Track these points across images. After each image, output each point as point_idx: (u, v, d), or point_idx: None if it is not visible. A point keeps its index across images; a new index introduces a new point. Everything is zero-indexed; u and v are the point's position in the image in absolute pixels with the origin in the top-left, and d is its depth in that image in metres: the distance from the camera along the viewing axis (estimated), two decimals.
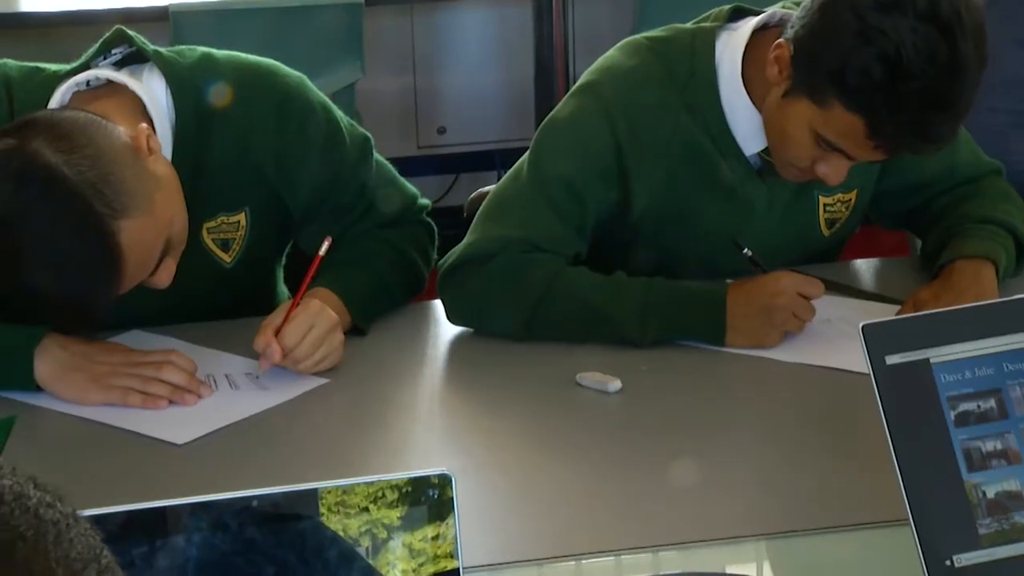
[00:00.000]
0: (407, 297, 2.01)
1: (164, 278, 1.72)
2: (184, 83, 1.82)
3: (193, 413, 1.73)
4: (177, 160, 1.80)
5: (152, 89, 1.80)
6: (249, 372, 1.83)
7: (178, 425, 1.70)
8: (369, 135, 1.99)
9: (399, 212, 2.01)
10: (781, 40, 1.81)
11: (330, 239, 1.81)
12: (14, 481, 0.69)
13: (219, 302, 1.97)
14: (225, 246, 1.92)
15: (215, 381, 1.81)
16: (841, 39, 1.71)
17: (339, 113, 1.95)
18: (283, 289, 2.14)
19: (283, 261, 2.10)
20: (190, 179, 1.80)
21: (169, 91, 1.81)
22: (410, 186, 2.06)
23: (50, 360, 1.76)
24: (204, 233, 1.89)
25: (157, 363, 1.77)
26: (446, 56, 4.65)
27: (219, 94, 1.84)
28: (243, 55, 1.91)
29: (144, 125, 1.71)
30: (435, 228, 2.06)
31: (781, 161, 1.89)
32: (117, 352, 1.80)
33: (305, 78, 1.93)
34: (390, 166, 2.04)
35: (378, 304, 1.95)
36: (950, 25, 1.68)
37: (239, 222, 1.91)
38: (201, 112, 1.83)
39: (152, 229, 1.65)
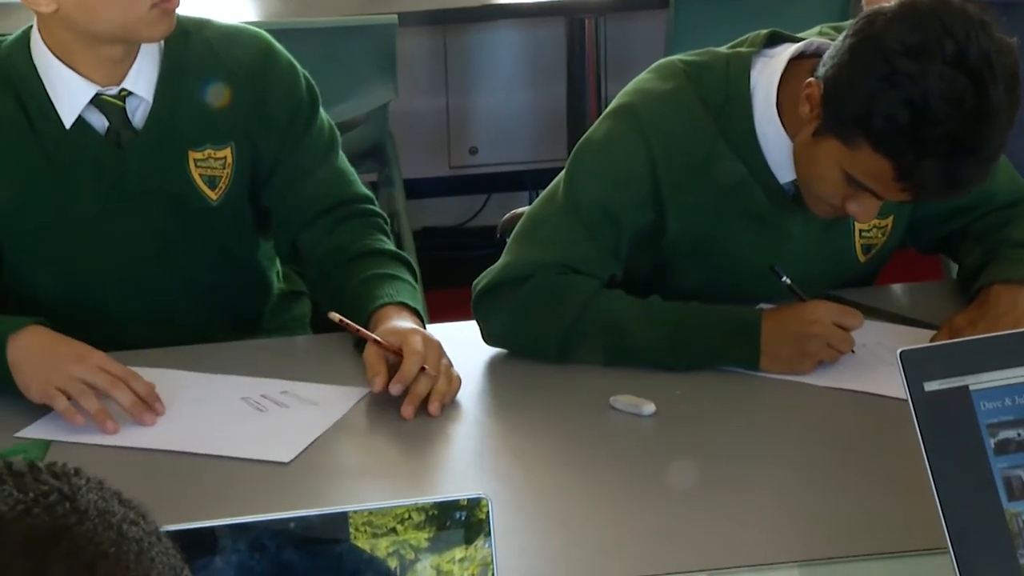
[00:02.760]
0: None
1: None
2: (176, 24, 1.88)
3: (281, 431, 1.74)
4: (162, 86, 1.90)
5: None
6: (285, 391, 1.84)
7: (275, 444, 1.70)
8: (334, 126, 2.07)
9: (360, 196, 2.06)
10: (812, 79, 1.80)
11: (335, 313, 1.84)
12: (99, 496, 0.70)
13: (204, 249, 2.00)
14: (212, 183, 1.97)
15: (257, 404, 1.81)
16: (869, 83, 1.70)
17: None
18: (272, 279, 2.17)
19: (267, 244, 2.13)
20: (175, 101, 1.90)
21: None
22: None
23: (21, 346, 1.77)
24: (192, 165, 1.95)
25: (114, 380, 1.75)
26: (478, 76, 4.66)
27: (208, 40, 1.94)
28: None
29: None
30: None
31: (812, 197, 1.88)
32: (90, 356, 1.77)
33: None
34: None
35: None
36: (979, 70, 1.67)
37: (225, 158, 1.97)
38: (190, 48, 1.92)
39: None
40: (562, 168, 2.00)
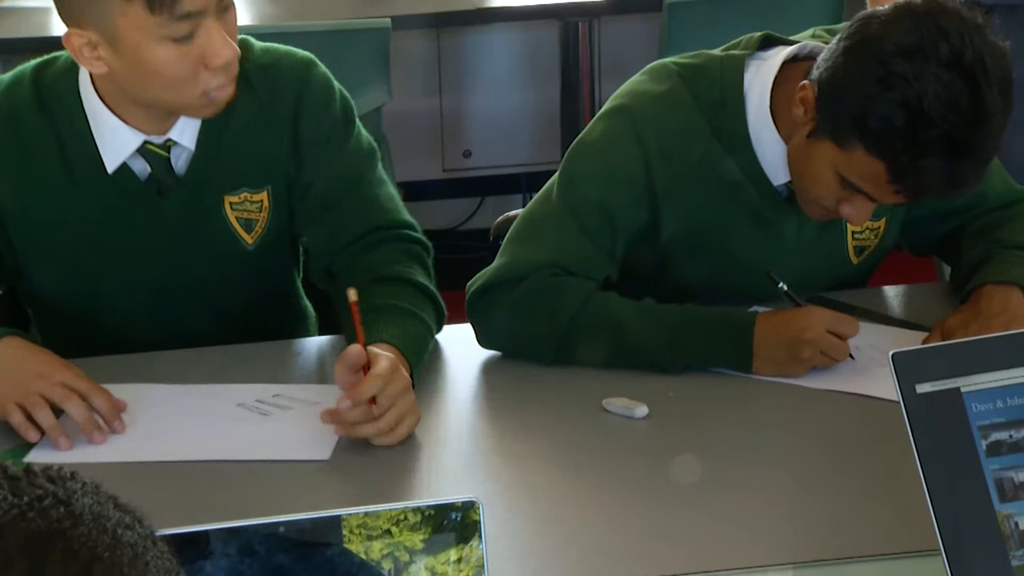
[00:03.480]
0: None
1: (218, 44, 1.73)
2: None
3: (302, 431, 1.73)
4: (204, 134, 1.87)
5: None
6: (277, 395, 1.84)
7: (306, 443, 1.70)
8: (376, 146, 2.00)
9: (396, 223, 1.99)
10: (806, 82, 1.80)
11: (354, 290, 1.72)
12: (94, 500, 0.71)
13: (240, 290, 1.98)
14: (248, 227, 1.94)
15: (257, 408, 1.81)
16: (864, 85, 1.70)
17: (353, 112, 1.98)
18: (306, 304, 2.15)
19: (300, 272, 2.12)
20: (216, 149, 1.87)
21: None
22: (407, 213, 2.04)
23: None
24: (228, 209, 1.92)
25: (68, 394, 1.72)
26: (472, 79, 4.66)
27: (247, 75, 1.88)
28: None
29: None
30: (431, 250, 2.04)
31: (806, 199, 1.89)
32: (54, 372, 1.74)
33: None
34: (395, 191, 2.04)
35: (426, 354, 1.89)
36: (973, 73, 1.67)
37: (262, 202, 1.93)
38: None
39: None
40: (556, 170, 2.00)
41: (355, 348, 1.69)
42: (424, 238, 2.03)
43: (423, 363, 1.86)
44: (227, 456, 1.69)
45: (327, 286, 2.01)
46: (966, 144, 1.69)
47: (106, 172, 1.86)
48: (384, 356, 1.71)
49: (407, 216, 2.02)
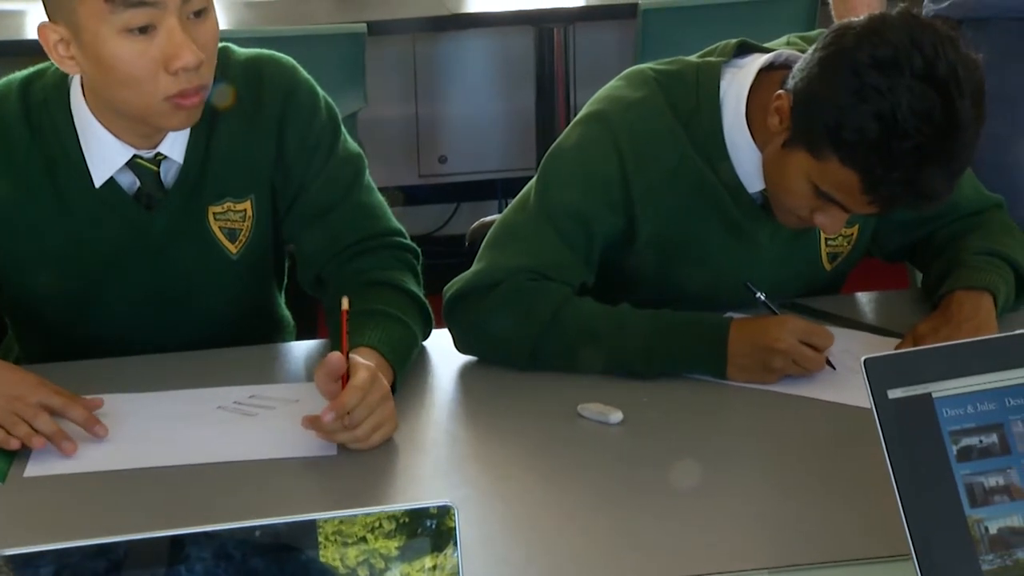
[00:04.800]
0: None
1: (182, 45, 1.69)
2: None
3: (295, 429, 1.71)
4: (192, 147, 1.85)
5: None
6: (253, 395, 1.83)
7: (316, 443, 1.70)
8: (362, 151, 1.99)
9: (388, 230, 1.99)
10: (781, 91, 1.82)
11: (348, 299, 1.74)
12: None
13: (222, 300, 1.97)
14: (232, 236, 1.93)
15: (239, 410, 1.80)
16: (838, 96, 1.71)
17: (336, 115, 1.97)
18: (285, 313, 2.15)
19: (283, 280, 2.11)
20: (203, 160, 1.85)
21: None
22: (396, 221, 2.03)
23: None
24: (211, 219, 1.90)
25: (36, 409, 1.72)
26: (448, 85, 4.66)
27: (227, 86, 1.85)
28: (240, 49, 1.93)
29: None
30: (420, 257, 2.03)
31: (780, 208, 1.90)
32: (28, 394, 1.73)
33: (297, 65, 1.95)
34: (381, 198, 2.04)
35: (410, 360, 1.89)
36: (947, 85, 1.68)
37: (246, 211, 1.92)
38: (217, 98, 1.84)
39: None
40: (532, 176, 2.01)
41: (335, 356, 1.69)
42: (413, 244, 2.02)
43: (407, 370, 1.86)
44: (234, 457, 1.69)
45: (317, 293, 2.00)
46: (939, 155, 1.71)
47: (93, 186, 1.85)
48: (364, 366, 1.71)
49: (396, 223, 2.02)
